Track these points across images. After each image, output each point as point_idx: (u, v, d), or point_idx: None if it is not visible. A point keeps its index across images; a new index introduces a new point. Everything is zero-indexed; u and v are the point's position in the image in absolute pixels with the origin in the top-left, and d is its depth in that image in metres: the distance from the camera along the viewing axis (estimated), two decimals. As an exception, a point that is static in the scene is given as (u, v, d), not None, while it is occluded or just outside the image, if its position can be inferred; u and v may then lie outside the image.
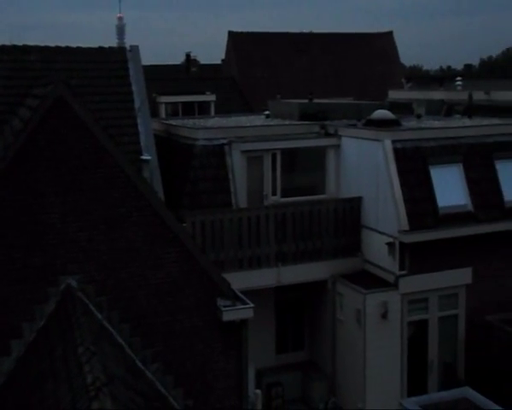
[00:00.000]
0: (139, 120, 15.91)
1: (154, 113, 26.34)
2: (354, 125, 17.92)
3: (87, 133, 10.42)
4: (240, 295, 11.85)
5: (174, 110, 30.83)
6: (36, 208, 10.17)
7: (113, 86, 16.34)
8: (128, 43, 22.83)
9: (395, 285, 15.35)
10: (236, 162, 16.58)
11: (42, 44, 16.76)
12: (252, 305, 11.56)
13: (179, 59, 44.40)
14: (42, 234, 10.21)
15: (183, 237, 11.15)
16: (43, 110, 10.26)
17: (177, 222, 11.25)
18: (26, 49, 16.29)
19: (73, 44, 17.08)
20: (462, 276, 15.82)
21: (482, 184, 16.30)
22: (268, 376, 16.65)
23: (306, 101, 21.43)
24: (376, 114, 17.80)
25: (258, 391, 14.17)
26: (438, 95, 24.54)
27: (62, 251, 10.28)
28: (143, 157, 15.28)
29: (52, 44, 16.87)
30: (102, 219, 10.53)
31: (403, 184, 15.47)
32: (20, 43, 16.49)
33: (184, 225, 14.03)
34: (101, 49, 17.28)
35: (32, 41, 17.05)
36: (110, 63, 16.73)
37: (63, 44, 16.98)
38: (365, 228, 16.44)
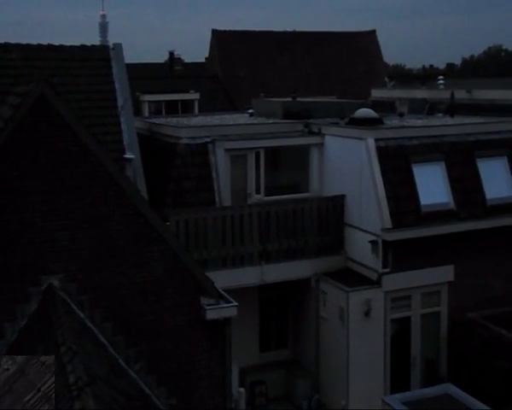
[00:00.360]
0: (122, 119, 15.86)
1: (138, 111, 26.25)
2: (337, 124, 17.98)
3: (69, 132, 10.37)
4: (223, 293, 11.86)
5: (157, 109, 30.72)
6: (17, 207, 10.10)
7: (96, 85, 16.28)
8: (111, 41, 22.71)
9: (378, 283, 15.43)
10: (220, 161, 16.57)
11: (24, 42, 16.68)
12: (235, 303, 11.57)
13: (163, 57, 44.24)
14: (23, 233, 10.14)
15: (166, 236, 11.13)
16: (24, 108, 10.20)
17: (160, 221, 11.23)
18: (7, 47, 16.19)
19: (55, 42, 17.03)
20: (444, 273, 15.93)
21: (464, 182, 16.43)
22: (251, 374, 16.67)
23: (290, 99, 21.47)
24: (359, 113, 17.87)
25: (242, 389, 14.17)
26: (420, 93, 24.68)
27: (44, 250, 10.22)
28: (126, 156, 15.24)
29: (34, 42, 16.80)
30: (85, 217, 10.48)
31: (386, 183, 15.55)
32: (1, 40, 16.40)
33: (168, 223, 14.00)
34: (83, 47, 17.21)
35: (13, 39, 16.94)
36: (93, 61, 16.67)
37: (45, 42, 16.93)
38: (348, 226, 16.51)
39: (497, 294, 16.28)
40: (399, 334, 15.89)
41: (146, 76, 31.96)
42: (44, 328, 9.17)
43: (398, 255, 15.43)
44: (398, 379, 15.72)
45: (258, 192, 17.08)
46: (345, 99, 24.03)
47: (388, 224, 15.28)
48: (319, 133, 17.65)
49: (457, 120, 19.38)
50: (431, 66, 79.80)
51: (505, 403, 13.51)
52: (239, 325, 13.16)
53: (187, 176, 16.33)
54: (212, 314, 11.25)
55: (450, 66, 79.25)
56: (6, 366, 7.87)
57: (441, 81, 27.18)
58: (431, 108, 22.50)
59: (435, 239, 15.62)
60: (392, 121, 18.84)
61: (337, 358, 15.63)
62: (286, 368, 17.19)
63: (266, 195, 17.09)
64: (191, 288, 11.23)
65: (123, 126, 15.75)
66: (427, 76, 34.03)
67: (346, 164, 16.57)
